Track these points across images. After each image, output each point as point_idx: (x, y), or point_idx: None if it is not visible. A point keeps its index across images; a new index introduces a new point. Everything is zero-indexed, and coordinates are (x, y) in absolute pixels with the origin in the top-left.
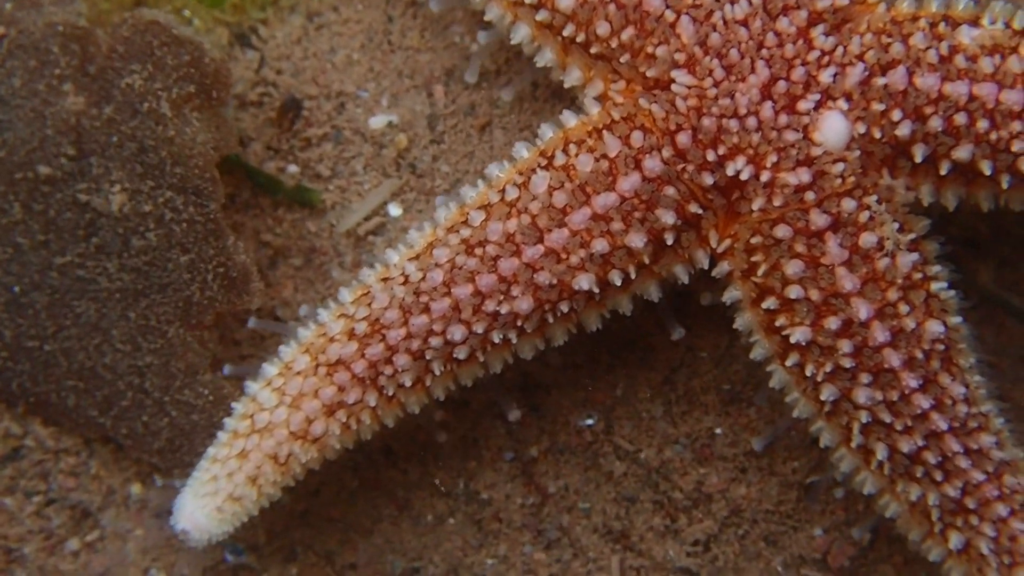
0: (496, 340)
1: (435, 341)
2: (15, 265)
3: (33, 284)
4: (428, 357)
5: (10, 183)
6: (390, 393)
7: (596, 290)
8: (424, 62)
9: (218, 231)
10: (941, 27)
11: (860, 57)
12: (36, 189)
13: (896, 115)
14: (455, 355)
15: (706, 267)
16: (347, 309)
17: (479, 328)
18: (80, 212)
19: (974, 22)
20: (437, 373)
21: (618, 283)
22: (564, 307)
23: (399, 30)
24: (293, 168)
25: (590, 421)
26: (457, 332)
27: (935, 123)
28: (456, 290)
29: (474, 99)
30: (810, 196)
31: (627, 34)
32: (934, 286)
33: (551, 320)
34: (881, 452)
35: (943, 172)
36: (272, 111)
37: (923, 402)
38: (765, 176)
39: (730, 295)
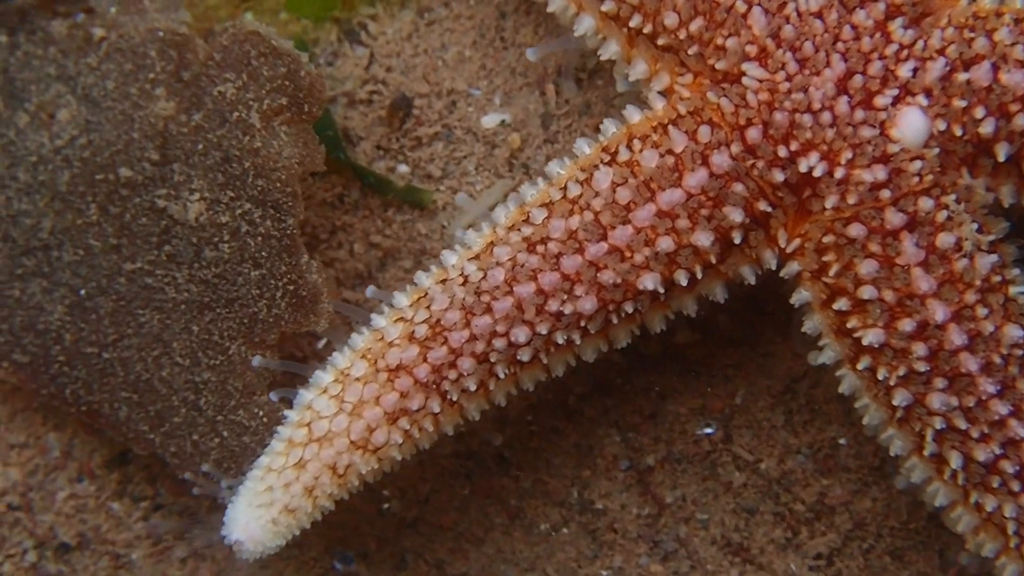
0: (560, 341)
1: (499, 343)
2: (84, 267)
3: (100, 289)
4: (492, 360)
5: (90, 184)
6: (453, 398)
7: (661, 290)
8: (538, 59)
9: (293, 248)
10: None
11: (941, 52)
12: (115, 192)
13: (979, 112)
14: (519, 357)
15: (774, 268)
16: (405, 313)
17: (543, 329)
18: (156, 218)
19: None
20: (501, 376)
21: (684, 283)
22: (628, 307)
23: (512, 27)
24: (403, 168)
25: (709, 430)
26: (521, 333)
27: (1021, 121)
28: (518, 289)
29: (589, 98)
30: (886, 194)
31: (696, 25)
32: (1013, 290)
33: (615, 321)
34: (955, 461)
35: None
36: (382, 109)
37: (1001, 408)
38: (839, 173)
39: (799, 297)
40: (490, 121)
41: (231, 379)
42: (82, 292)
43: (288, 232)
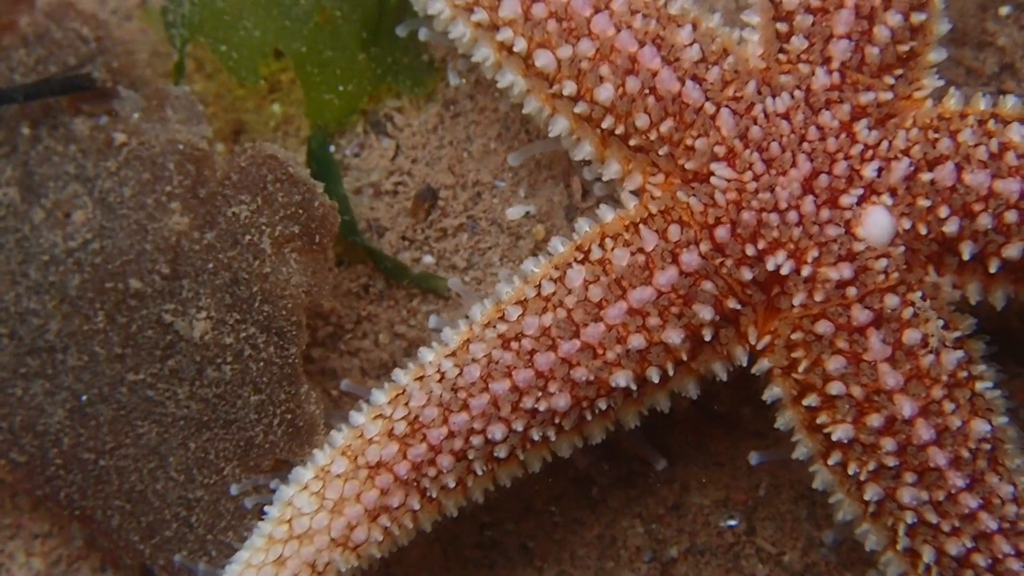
0: (535, 438)
1: (476, 440)
2: (88, 373)
3: (101, 396)
4: (470, 457)
5: (100, 290)
6: (432, 495)
7: (634, 387)
8: (562, 152)
9: (294, 376)
10: (991, 124)
11: (906, 152)
12: (124, 301)
13: (943, 211)
14: (496, 454)
15: (745, 364)
16: (384, 410)
17: (518, 426)
18: (162, 332)
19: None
20: (479, 473)
21: (656, 380)
22: (602, 404)
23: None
24: (428, 259)
25: (732, 522)
26: (497, 431)
27: (985, 220)
28: (494, 386)
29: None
30: (852, 291)
31: (666, 126)
32: (979, 385)
33: (589, 417)
34: (928, 555)
35: (992, 270)
36: (407, 200)
37: (971, 502)
38: (806, 271)
39: (771, 394)
40: (515, 213)
41: (223, 500)
42: (84, 398)
43: (290, 360)
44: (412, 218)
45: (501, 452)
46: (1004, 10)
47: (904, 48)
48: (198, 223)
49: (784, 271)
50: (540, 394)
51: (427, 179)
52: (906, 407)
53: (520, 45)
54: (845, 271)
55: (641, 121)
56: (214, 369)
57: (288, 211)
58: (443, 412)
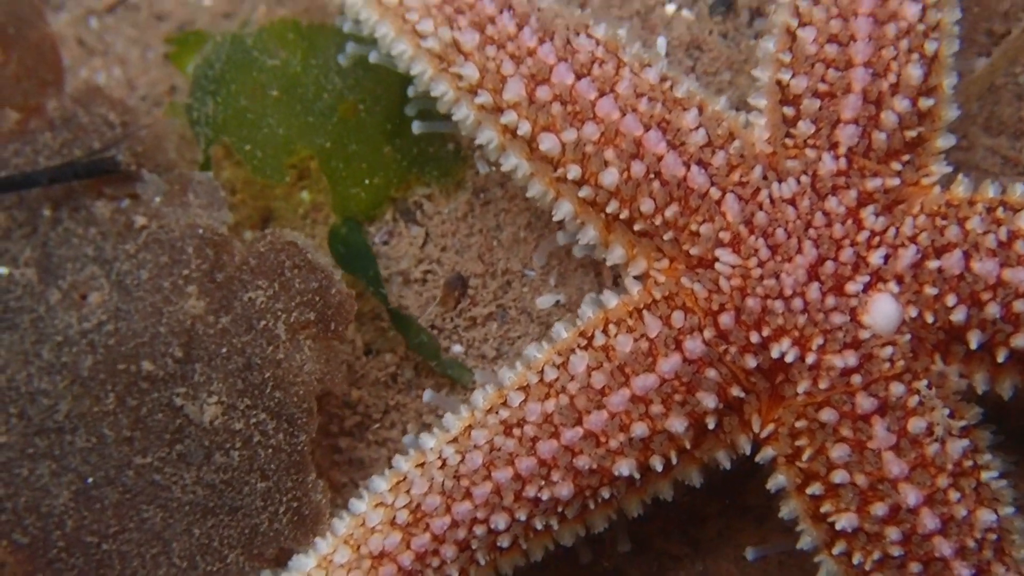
0: (538, 527)
1: (479, 530)
2: (95, 456)
3: (108, 479)
4: (474, 547)
5: (112, 372)
6: None
7: (637, 475)
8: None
9: (302, 464)
10: (999, 212)
11: (913, 239)
12: (135, 384)
13: (951, 300)
14: (499, 543)
15: (748, 453)
16: (385, 498)
17: (521, 515)
18: (172, 416)
19: None
20: (481, 563)
21: (659, 469)
22: (605, 493)
23: None
24: (458, 348)
25: None
26: (501, 520)
27: (993, 310)
28: (496, 474)
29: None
30: (857, 379)
31: (671, 211)
32: (985, 475)
33: (592, 506)
34: None
35: (1000, 360)
36: (436, 289)
37: None
38: (811, 359)
39: (775, 482)
40: (545, 302)
41: None
42: (89, 480)
43: (299, 448)
44: (441, 307)
45: (504, 541)
46: None
47: (912, 134)
48: (214, 307)
49: (789, 359)
50: (543, 483)
51: (456, 267)
52: (911, 496)
53: (524, 128)
54: (850, 359)
55: (646, 206)
56: (222, 454)
57: (305, 298)
58: (446, 501)
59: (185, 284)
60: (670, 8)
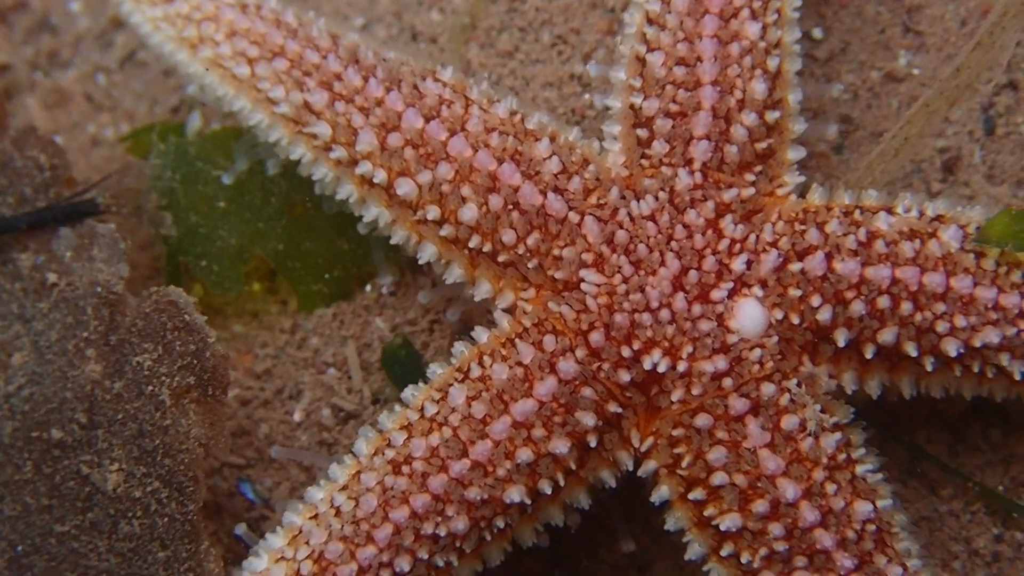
0: (440, 564)
1: (385, 574)
2: (21, 524)
3: (35, 547)
4: None
5: (27, 440)
6: None
7: (528, 501)
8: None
9: (194, 534)
10: (856, 215)
11: (774, 244)
12: (48, 451)
13: (815, 300)
14: None
15: (631, 468)
16: (284, 553)
17: (423, 554)
18: (81, 484)
19: (888, 211)
20: None
21: (548, 492)
22: (499, 522)
23: None
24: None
25: None
26: (404, 562)
27: (857, 307)
28: (393, 514)
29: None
30: (728, 383)
31: (533, 239)
32: (860, 469)
33: (488, 538)
34: None
35: (868, 356)
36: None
37: None
38: (682, 366)
39: (658, 494)
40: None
41: None
42: (19, 548)
43: (189, 517)
44: None
45: None
46: None
47: (762, 146)
48: (109, 371)
49: (661, 369)
50: (439, 519)
51: None
52: (789, 490)
53: (380, 176)
54: (720, 363)
55: (508, 237)
56: (126, 523)
57: (184, 361)
58: (348, 547)
59: (85, 347)
60: None
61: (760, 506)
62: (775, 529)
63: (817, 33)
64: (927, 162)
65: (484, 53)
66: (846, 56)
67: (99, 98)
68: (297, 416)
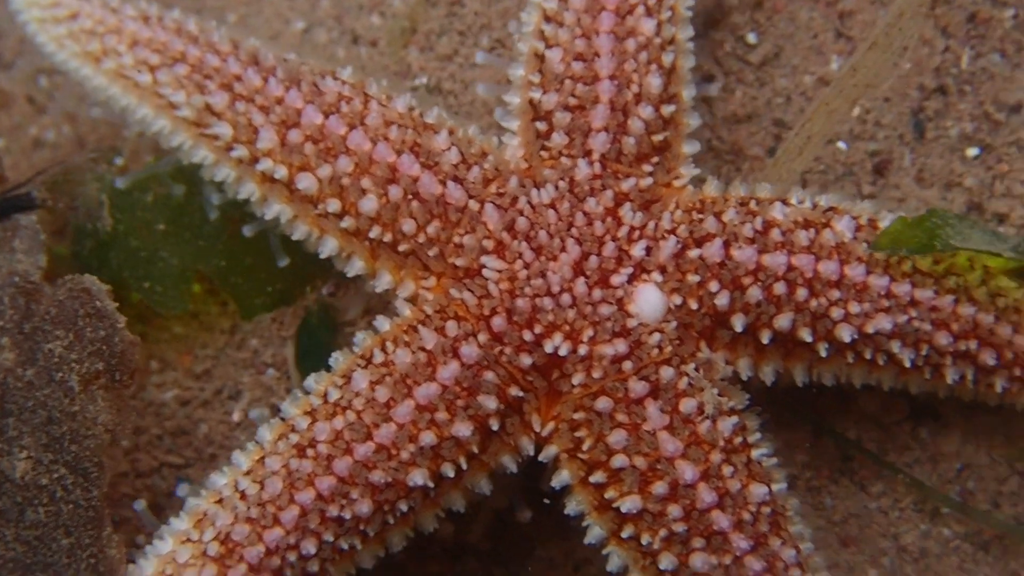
0: (344, 547)
1: (292, 556)
2: None
3: None
4: (287, 575)
5: None
6: None
7: (431, 485)
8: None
9: (98, 520)
10: (752, 205)
11: (672, 231)
12: None
13: (713, 286)
14: (308, 569)
15: (532, 454)
16: (190, 534)
17: (328, 537)
18: None
19: (783, 202)
20: None
21: (451, 475)
22: (403, 506)
23: None
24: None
25: None
26: (311, 545)
27: (754, 293)
28: (299, 497)
29: None
30: (628, 366)
31: (433, 228)
32: (755, 453)
33: (391, 522)
34: None
35: (764, 342)
36: None
37: (755, 564)
38: (583, 350)
39: (559, 479)
40: None
41: None
42: None
43: (93, 503)
44: None
45: (313, 566)
46: (971, 152)
47: (658, 138)
48: (22, 359)
49: (562, 352)
50: (344, 502)
51: None
52: (687, 472)
53: (281, 172)
54: (620, 347)
55: (408, 226)
56: (32, 511)
57: (94, 347)
58: (255, 529)
59: (1, 335)
60: None
61: (659, 488)
62: (674, 510)
63: (751, 38)
64: (858, 165)
65: (424, 57)
66: (779, 61)
67: (41, 100)
68: (236, 416)
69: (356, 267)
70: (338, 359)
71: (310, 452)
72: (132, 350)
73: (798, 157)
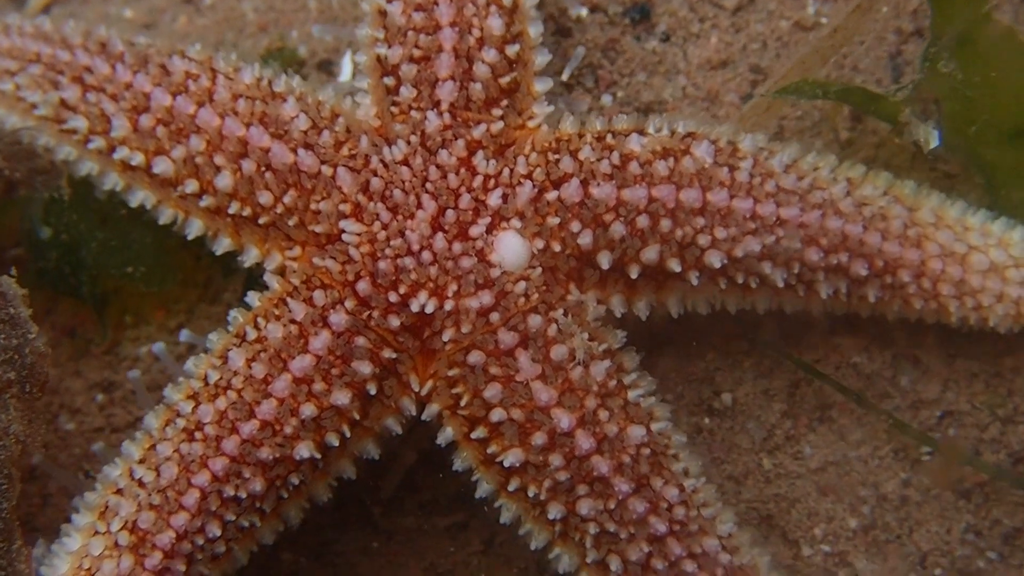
0: (245, 526)
1: (199, 540)
2: None
3: None
4: (199, 558)
5: None
6: None
7: (318, 456)
8: None
9: (7, 532)
10: (609, 139)
11: (528, 176)
12: None
13: (575, 226)
14: (216, 551)
15: (415, 414)
16: (97, 527)
17: (230, 517)
18: None
19: (640, 132)
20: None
21: (336, 444)
22: (294, 479)
23: None
24: None
25: None
26: (215, 527)
27: (617, 228)
28: (196, 480)
29: None
30: (495, 317)
31: (289, 197)
32: (631, 394)
33: (286, 496)
34: (615, 564)
35: (633, 276)
36: None
37: (638, 506)
38: (449, 305)
39: (443, 436)
40: None
41: None
42: None
43: (3, 516)
44: None
45: (220, 548)
46: None
47: (506, 80)
48: None
49: (428, 310)
50: (238, 481)
51: None
52: (563, 420)
53: (138, 159)
54: (485, 298)
55: (264, 198)
56: None
57: (6, 356)
58: (160, 516)
59: None
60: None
61: (538, 438)
62: (555, 460)
63: None
64: (835, 110)
65: None
66: (755, 6)
67: None
68: None
69: (223, 244)
70: (213, 340)
71: (198, 435)
72: (42, 362)
73: (765, 113)
